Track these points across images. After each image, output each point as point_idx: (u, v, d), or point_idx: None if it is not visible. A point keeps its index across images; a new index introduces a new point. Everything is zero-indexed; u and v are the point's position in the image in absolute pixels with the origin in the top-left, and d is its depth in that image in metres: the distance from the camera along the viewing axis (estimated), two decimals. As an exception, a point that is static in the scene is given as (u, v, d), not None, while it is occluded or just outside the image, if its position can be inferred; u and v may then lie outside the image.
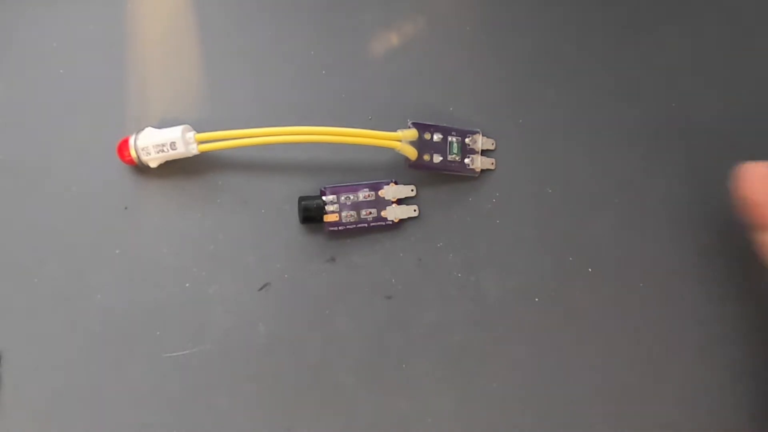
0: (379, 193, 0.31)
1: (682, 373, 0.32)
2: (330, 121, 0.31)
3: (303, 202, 0.30)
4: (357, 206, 0.30)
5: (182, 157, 0.29)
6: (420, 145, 0.30)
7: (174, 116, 0.31)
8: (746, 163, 0.28)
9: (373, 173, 0.31)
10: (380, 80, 0.32)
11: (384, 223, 0.31)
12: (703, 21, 0.34)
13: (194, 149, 0.29)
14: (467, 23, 0.33)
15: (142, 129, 0.29)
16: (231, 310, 0.31)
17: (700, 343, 0.32)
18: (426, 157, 0.31)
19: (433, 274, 0.32)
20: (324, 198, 0.30)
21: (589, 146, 0.33)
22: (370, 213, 0.31)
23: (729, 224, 0.33)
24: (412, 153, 0.30)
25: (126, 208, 0.30)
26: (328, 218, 0.30)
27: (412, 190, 0.31)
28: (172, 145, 0.28)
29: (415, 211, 0.31)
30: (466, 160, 0.31)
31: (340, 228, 0.30)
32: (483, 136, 0.32)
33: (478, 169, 0.32)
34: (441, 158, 0.31)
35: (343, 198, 0.30)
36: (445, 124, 0.31)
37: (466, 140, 0.31)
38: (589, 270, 0.32)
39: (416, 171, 0.31)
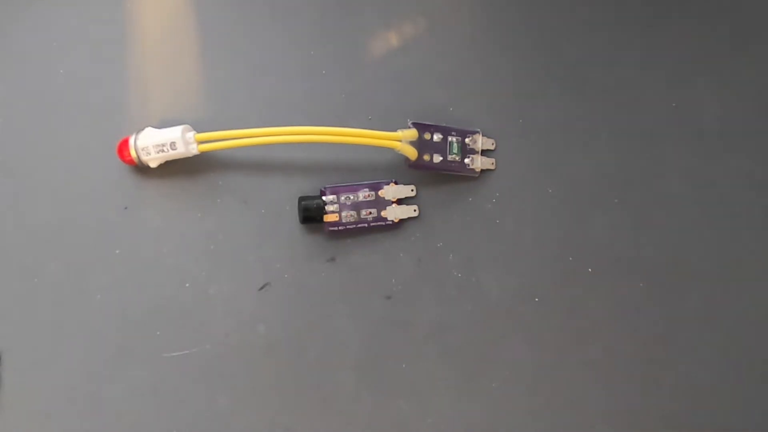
0: (379, 193, 0.31)
1: (681, 372, 0.32)
2: (330, 121, 0.31)
3: (303, 202, 0.30)
4: (357, 206, 0.30)
5: (182, 157, 0.29)
6: (420, 145, 0.30)
7: (174, 116, 0.31)
8: None
9: (373, 173, 0.31)
10: (380, 80, 0.32)
11: (384, 223, 0.31)
12: (703, 21, 0.34)
13: (194, 149, 0.29)
14: (467, 24, 0.33)
15: (142, 129, 0.29)
16: (231, 310, 0.31)
17: (699, 342, 0.32)
18: (426, 157, 0.31)
19: (433, 274, 0.32)
20: (324, 198, 0.30)
21: (589, 146, 0.33)
22: (370, 213, 0.31)
23: (729, 224, 0.33)
24: (412, 153, 0.30)
25: (126, 208, 0.30)
26: (328, 218, 0.30)
27: (412, 190, 0.31)
28: (172, 145, 0.28)
29: (415, 211, 0.31)
30: (466, 160, 0.31)
31: (340, 228, 0.30)
32: (483, 136, 0.32)
33: (478, 169, 0.32)
34: (441, 158, 0.31)
35: (343, 198, 0.30)
36: (445, 124, 0.31)
37: (466, 140, 0.31)
38: (589, 270, 0.32)
39: (416, 171, 0.31)
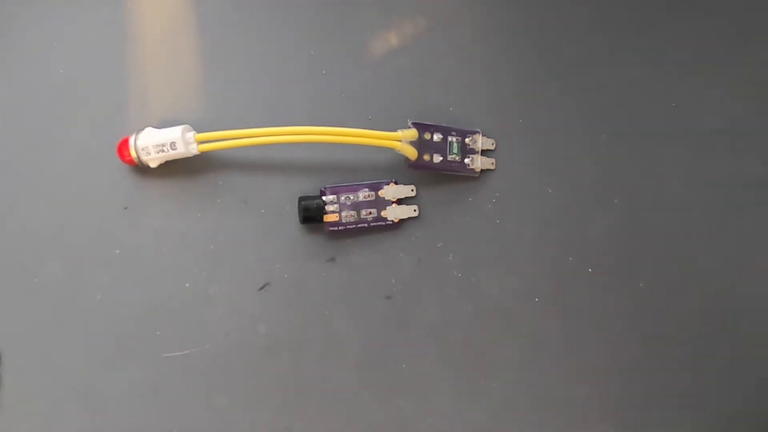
0: (379, 193, 0.31)
1: (682, 372, 0.32)
2: (330, 121, 0.31)
3: (303, 202, 0.30)
4: (357, 206, 0.30)
5: (182, 157, 0.29)
6: (420, 145, 0.30)
7: (174, 116, 0.31)
8: None
9: (373, 173, 0.31)
10: (380, 80, 0.32)
11: (384, 223, 0.31)
12: (703, 21, 0.34)
13: (194, 149, 0.29)
14: (467, 24, 0.33)
15: (142, 129, 0.29)
16: (231, 310, 0.31)
17: (700, 342, 0.32)
18: (426, 157, 0.31)
19: (433, 274, 0.32)
20: (324, 198, 0.30)
21: (589, 146, 0.33)
22: (370, 213, 0.31)
23: (729, 224, 0.33)
24: (412, 153, 0.30)
25: (126, 208, 0.30)
26: (328, 218, 0.30)
27: (412, 190, 0.31)
28: (172, 145, 0.28)
29: (415, 211, 0.31)
30: (466, 160, 0.31)
31: (340, 228, 0.30)
32: (483, 136, 0.32)
33: (478, 169, 0.32)
34: (441, 158, 0.31)
35: (343, 198, 0.30)
36: (445, 124, 0.31)
37: (466, 140, 0.31)
38: (589, 270, 0.32)
39: (416, 171, 0.31)
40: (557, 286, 0.32)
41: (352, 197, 0.30)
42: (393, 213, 0.31)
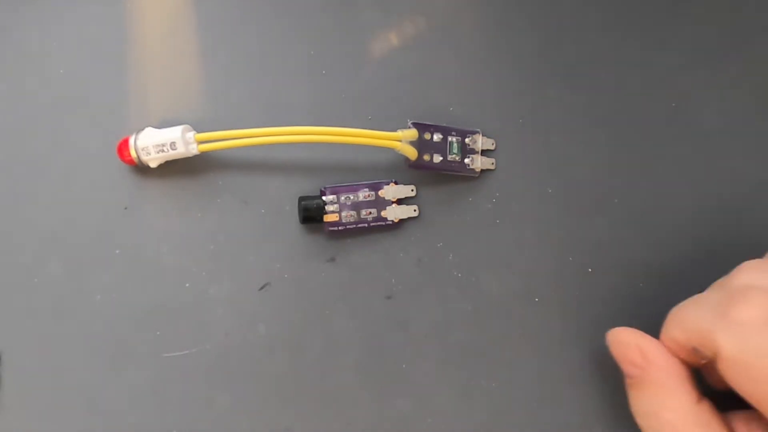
0: (379, 193, 0.31)
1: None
2: (330, 121, 0.31)
3: (303, 202, 0.30)
4: (357, 206, 0.30)
5: (182, 157, 0.29)
6: (420, 145, 0.30)
7: (174, 116, 0.31)
8: (615, 331, 0.29)
9: (373, 173, 0.31)
10: (380, 80, 0.32)
11: (384, 223, 0.31)
12: (703, 21, 0.34)
13: (194, 149, 0.29)
14: (467, 23, 0.33)
15: (142, 129, 0.29)
16: (231, 310, 0.31)
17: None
18: (426, 157, 0.31)
19: (433, 274, 0.32)
20: (324, 198, 0.30)
21: (590, 146, 0.33)
22: (370, 213, 0.31)
23: (729, 224, 0.33)
24: (412, 153, 0.30)
25: (126, 208, 0.30)
26: (328, 218, 0.30)
27: (412, 190, 0.31)
28: (172, 145, 0.28)
29: (415, 211, 0.31)
30: (466, 160, 0.31)
31: (340, 228, 0.30)
32: (483, 136, 0.32)
33: (478, 169, 0.32)
34: (441, 158, 0.31)
35: (343, 198, 0.30)
36: (445, 124, 0.31)
37: (466, 140, 0.31)
38: (589, 270, 0.32)
39: (416, 171, 0.31)
40: (557, 286, 0.32)
41: (352, 197, 0.30)
42: (393, 213, 0.31)
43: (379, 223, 0.31)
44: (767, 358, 0.22)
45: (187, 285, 0.31)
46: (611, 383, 0.31)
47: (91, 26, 0.31)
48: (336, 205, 0.30)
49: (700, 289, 0.27)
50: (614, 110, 0.33)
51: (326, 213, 0.30)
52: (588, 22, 0.33)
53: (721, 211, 0.33)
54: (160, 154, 0.29)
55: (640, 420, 0.27)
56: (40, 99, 0.31)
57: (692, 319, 0.25)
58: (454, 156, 0.31)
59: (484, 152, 0.32)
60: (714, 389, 0.27)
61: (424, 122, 0.31)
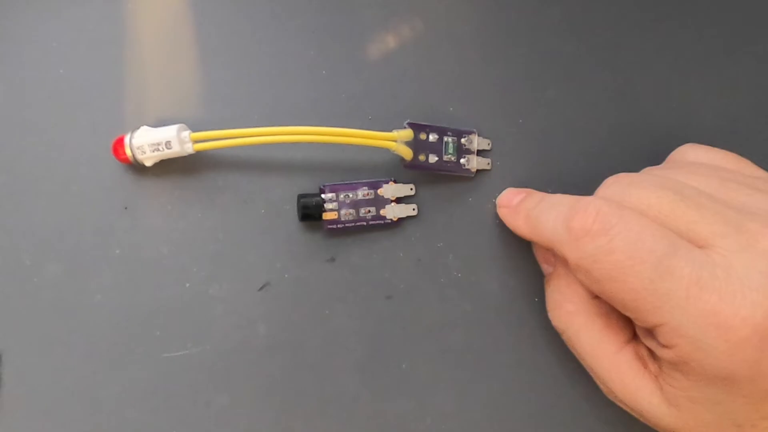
0: (378, 191, 0.31)
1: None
2: (330, 121, 0.31)
3: (302, 200, 0.30)
4: (356, 204, 0.31)
5: (178, 156, 0.29)
6: (415, 145, 0.30)
7: (172, 115, 0.31)
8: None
9: (373, 172, 0.31)
10: (380, 80, 0.32)
11: (383, 222, 0.31)
12: (703, 21, 0.34)
13: (189, 148, 0.29)
14: (466, 24, 0.33)
15: (138, 127, 0.29)
16: (231, 310, 0.31)
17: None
18: (421, 158, 0.31)
19: (433, 274, 0.32)
20: (323, 196, 0.30)
21: (588, 147, 0.33)
22: (369, 211, 0.31)
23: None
24: (407, 153, 0.30)
25: (126, 208, 0.31)
26: (327, 216, 0.30)
27: (411, 189, 0.31)
28: (168, 144, 0.28)
29: (414, 210, 0.31)
30: (462, 161, 0.31)
31: (338, 226, 0.30)
32: (479, 136, 0.32)
33: (474, 170, 0.32)
34: (436, 158, 0.31)
35: (342, 196, 0.30)
36: (440, 125, 0.31)
37: (462, 140, 0.31)
38: (589, 269, 0.32)
39: (414, 171, 0.31)
40: (557, 285, 0.32)
41: (351, 195, 0.30)
42: (392, 212, 0.31)
43: (378, 222, 0.31)
44: (600, 262, 0.24)
45: (187, 285, 0.31)
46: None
47: (90, 26, 0.31)
48: (335, 203, 0.30)
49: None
50: (613, 111, 0.33)
51: (325, 211, 0.30)
52: (587, 23, 0.33)
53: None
54: (156, 153, 0.29)
55: (550, 314, 0.30)
56: (40, 99, 0.31)
57: (545, 227, 0.27)
58: (449, 156, 0.31)
59: (480, 152, 0.32)
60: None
61: (420, 122, 0.31)
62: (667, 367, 0.25)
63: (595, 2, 0.33)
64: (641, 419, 0.27)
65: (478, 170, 0.32)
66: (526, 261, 0.32)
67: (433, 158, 0.31)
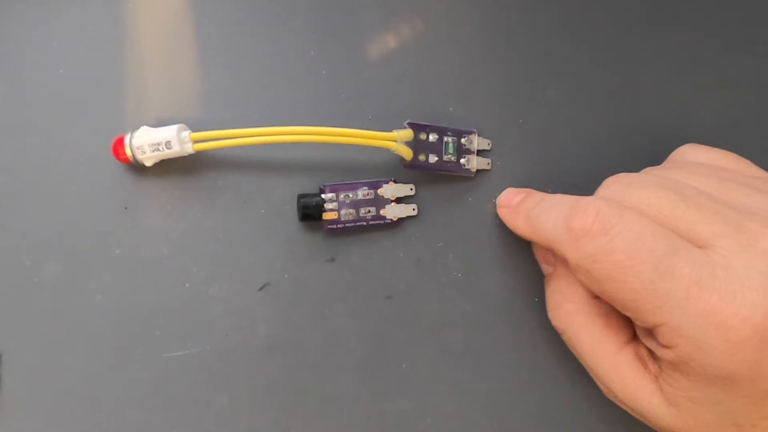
0: (378, 191, 0.31)
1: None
2: (330, 121, 0.31)
3: (302, 200, 0.30)
4: (356, 204, 0.31)
5: (177, 156, 0.29)
6: (415, 145, 0.30)
7: (172, 115, 0.31)
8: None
9: (373, 172, 0.31)
10: (380, 80, 0.32)
11: (383, 222, 0.31)
12: (703, 21, 0.34)
13: (189, 148, 0.29)
14: (466, 24, 0.33)
15: (138, 127, 0.29)
16: (231, 310, 0.31)
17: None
18: (421, 158, 0.31)
19: (433, 274, 0.32)
20: (323, 196, 0.30)
21: (588, 147, 0.33)
22: (369, 211, 0.31)
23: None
24: (407, 153, 0.30)
25: (126, 208, 0.31)
26: (327, 216, 0.30)
27: (411, 189, 0.31)
28: (168, 144, 0.28)
29: (414, 210, 0.31)
30: (462, 161, 0.31)
31: (338, 226, 0.30)
32: (479, 136, 0.32)
33: (474, 170, 0.32)
34: (436, 158, 0.31)
35: (342, 196, 0.30)
36: (441, 125, 0.31)
37: (462, 140, 0.31)
38: (589, 269, 0.32)
39: (415, 170, 0.31)
40: (557, 285, 0.32)
41: (351, 195, 0.30)
42: (392, 212, 0.31)
43: (378, 222, 0.31)
44: (600, 262, 0.24)
45: (187, 285, 0.31)
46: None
47: (90, 26, 0.31)
48: (335, 203, 0.30)
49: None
50: (613, 111, 0.33)
51: (325, 211, 0.30)
52: (587, 23, 0.33)
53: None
54: (156, 153, 0.29)
55: (550, 314, 0.30)
56: (40, 99, 0.31)
57: (545, 227, 0.27)
58: (449, 156, 0.31)
59: (480, 152, 0.32)
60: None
61: (420, 122, 0.31)
62: (667, 368, 0.25)
63: (595, 2, 0.33)
64: (641, 419, 0.27)
65: (478, 170, 0.32)
66: (526, 261, 0.32)
67: (433, 158, 0.31)
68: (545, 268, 0.31)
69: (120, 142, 0.29)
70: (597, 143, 0.33)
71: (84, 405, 0.30)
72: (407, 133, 0.30)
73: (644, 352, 0.26)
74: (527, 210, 0.29)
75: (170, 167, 0.30)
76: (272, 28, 0.32)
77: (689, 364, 0.23)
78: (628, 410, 0.27)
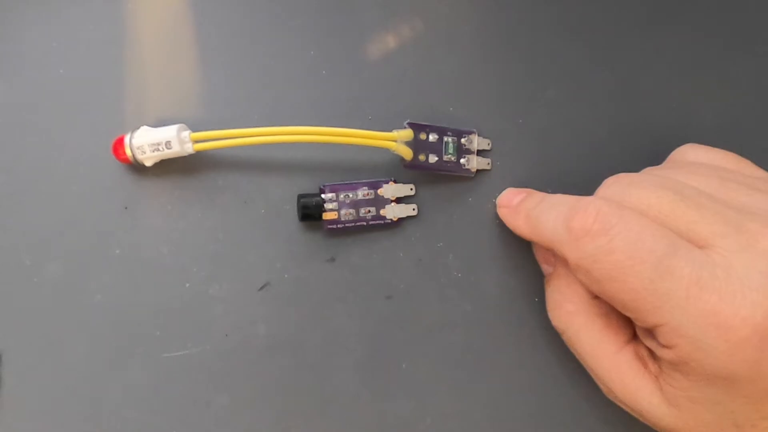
0: (378, 191, 0.31)
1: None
2: (330, 121, 0.31)
3: (302, 200, 0.30)
4: (356, 204, 0.31)
5: (177, 156, 0.29)
6: (415, 145, 0.30)
7: (173, 115, 0.31)
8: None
9: (373, 172, 0.31)
10: (380, 80, 0.32)
11: (383, 222, 0.31)
12: (703, 21, 0.34)
13: (189, 148, 0.29)
14: (466, 24, 0.33)
15: (138, 127, 0.29)
16: (231, 310, 0.31)
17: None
18: (421, 158, 0.31)
19: (433, 274, 0.32)
20: (323, 196, 0.30)
21: (588, 147, 0.33)
22: (369, 211, 0.31)
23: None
24: (407, 153, 0.30)
25: (126, 208, 0.31)
26: (327, 216, 0.30)
27: (411, 189, 0.31)
28: (168, 144, 0.28)
29: (414, 210, 0.31)
30: (462, 161, 0.31)
31: (338, 226, 0.30)
32: (479, 136, 0.32)
33: (474, 170, 0.32)
34: (436, 158, 0.31)
35: (342, 196, 0.30)
36: (441, 125, 0.31)
37: (462, 140, 0.31)
38: (589, 269, 0.32)
39: (415, 170, 0.31)
40: (557, 285, 0.32)
41: (351, 195, 0.30)
42: (392, 212, 0.31)
43: (378, 222, 0.31)
44: (600, 262, 0.24)
45: (187, 285, 0.31)
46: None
47: (90, 26, 0.31)
48: (335, 203, 0.30)
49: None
50: (613, 111, 0.33)
51: (325, 211, 0.30)
52: (587, 23, 0.33)
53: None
54: (156, 153, 0.29)
55: (550, 314, 0.30)
56: (40, 99, 0.31)
57: (545, 227, 0.27)
58: (449, 156, 0.31)
59: (480, 152, 0.32)
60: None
61: (420, 122, 0.31)
62: (667, 367, 0.25)
63: (595, 2, 0.33)
64: (641, 419, 0.27)
65: (478, 170, 0.32)
66: (526, 261, 0.32)
67: (433, 158, 0.31)
68: (545, 268, 0.31)
69: (120, 142, 0.29)
70: (597, 143, 0.33)
71: (84, 405, 0.30)
72: (407, 133, 0.30)
73: (644, 352, 0.26)
74: (527, 210, 0.29)
75: (170, 167, 0.30)
76: (272, 28, 0.32)
77: (689, 364, 0.23)
78: (628, 410, 0.27)
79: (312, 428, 0.31)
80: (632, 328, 0.27)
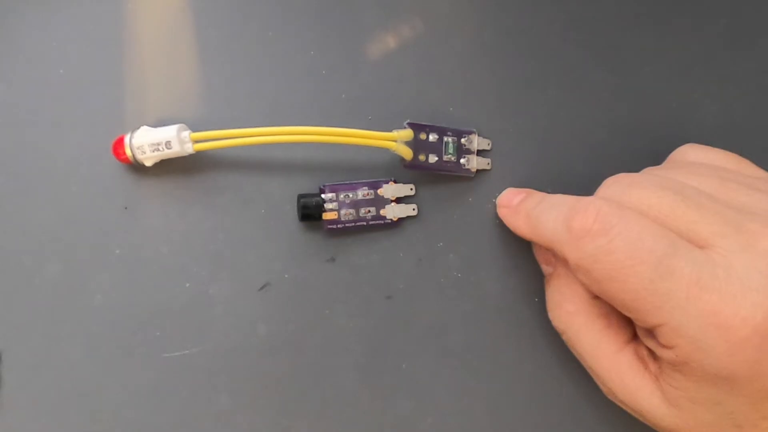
0: (378, 191, 0.31)
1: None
2: (330, 121, 0.31)
3: (302, 200, 0.30)
4: (356, 204, 0.31)
5: (177, 156, 0.29)
6: (415, 145, 0.30)
7: (173, 115, 0.31)
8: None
9: (373, 172, 0.31)
10: (380, 80, 0.32)
11: (383, 222, 0.31)
12: (703, 21, 0.34)
13: (189, 148, 0.29)
14: (466, 24, 0.33)
15: (138, 127, 0.29)
16: (231, 310, 0.31)
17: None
18: (421, 158, 0.31)
19: (433, 274, 0.32)
20: (323, 196, 0.30)
21: (588, 147, 0.33)
22: (369, 211, 0.31)
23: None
24: (407, 153, 0.30)
25: (126, 208, 0.31)
26: (327, 216, 0.30)
27: (411, 189, 0.31)
28: (168, 144, 0.28)
29: (414, 210, 0.31)
30: (462, 161, 0.31)
31: (338, 226, 0.30)
32: (479, 136, 0.32)
33: (474, 170, 0.32)
34: (436, 158, 0.31)
35: (342, 196, 0.30)
36: (441, 125, 0.31)
37: (462, 140, 0.31)
38: (589, 269, 0.32)
39: (415, 170, 0.31)
40: (557, 285, 0.32)
41: (351, 195, 0.30)
42: (392, 212, 0.31)
43: (378, 222, 0.31)
44: (601, 262, 0.24)
45: (187, 285, 0.31)
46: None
47: (90, 26, 0.31)
48: (335, 203, 0.30)
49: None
50: (613, 111, 0.33)
51: (325, 211, 0.30)
52: (587, 22, 0.33)
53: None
54: (156, 153, 0.29)
55: (550, 314, 0.30)
56: (40, 99, 0.31)
57: (545, 227, 0.27)
58: (449, 156, 0.31)
59: (480, 152, 0.32)
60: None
61: (420, 122, 0.31)
62: (667, 368, 0.25)
63: (595, 2, 0.33)
64: (641, 419, 0.27)
65: (478, 170, 0.32)
66: (526, 261, 0.32)
67: (433, 158, 0.31)
68: (545, 268, 0.31)
69: (120, 142, 0.29)
70: (597, 143, 0.33)
71: (84, 405, 0.30)
72: (407, 133, 0.30)
73: (644, 352, 0.26)
74: (527, 210, 0.29)
75: (170, 167, 0.30)
76: (272, 28, 0.32)
77: (689, 364, 0.23)
78: (628, 410, 0.27)
79: (312, 428, 0.31)
80: (632, 329, 0.27)
